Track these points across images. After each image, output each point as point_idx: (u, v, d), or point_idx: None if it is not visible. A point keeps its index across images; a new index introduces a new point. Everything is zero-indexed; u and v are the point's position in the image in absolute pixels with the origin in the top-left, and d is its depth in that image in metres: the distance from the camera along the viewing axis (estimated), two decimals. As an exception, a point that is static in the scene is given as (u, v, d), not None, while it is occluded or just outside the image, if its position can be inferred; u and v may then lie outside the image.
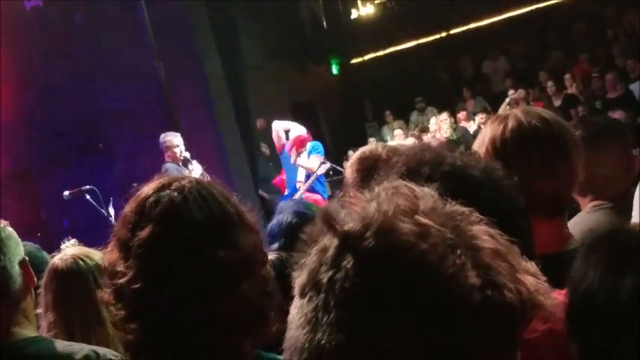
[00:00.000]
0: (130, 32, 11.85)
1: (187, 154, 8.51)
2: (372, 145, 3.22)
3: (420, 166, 1.38)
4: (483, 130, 2.02)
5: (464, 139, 12.11)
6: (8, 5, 11.10)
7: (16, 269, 2.08)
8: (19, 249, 2.12)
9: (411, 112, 15.61)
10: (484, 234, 0.86)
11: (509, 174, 1.43)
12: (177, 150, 8.46)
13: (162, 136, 8.71)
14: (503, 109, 12.80)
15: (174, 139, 8.56)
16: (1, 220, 2.15)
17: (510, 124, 1.92)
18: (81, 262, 2.72)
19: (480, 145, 1.95)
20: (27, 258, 2.15)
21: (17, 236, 2.17)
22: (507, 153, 1.86)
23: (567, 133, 1.96)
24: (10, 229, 2.13)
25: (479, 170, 1.39)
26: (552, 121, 1.94)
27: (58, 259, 2.76)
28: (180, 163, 8.44)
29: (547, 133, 1.90)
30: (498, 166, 1.44)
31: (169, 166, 8.34)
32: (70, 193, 7.49)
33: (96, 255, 2.77)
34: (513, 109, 2.03)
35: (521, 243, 1.34)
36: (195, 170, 8.27)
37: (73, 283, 2.66)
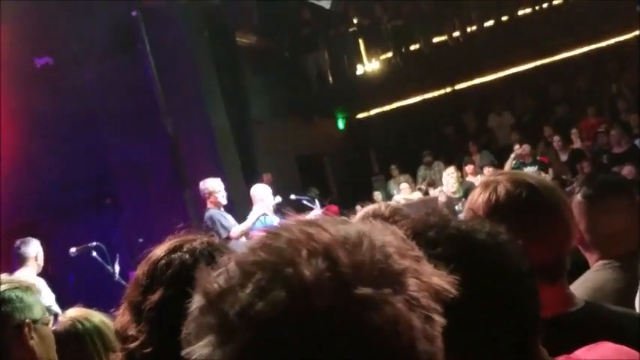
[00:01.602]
0: (138, 88, 12.00)
1: (225, 201, 8.43)
2: (375, 204, 3.21)
3: (426, 230, 1.39)
4: (471, 198, 1.97)
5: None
6: (19, 62, 11.28)
7: (7, 335, 2.07)
8: (18, 313, 2.11)
9: (418, 167, 15.64)
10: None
11: (513, 237, 1.44)
12: (219, 195, 8.33)
13: (202, 182, 8.56)
14: (509, 164, 12.83)
15: (215, 185, 8.42)
16: (23, 280, 2.16)
17: (498, 193, 1.89)
18: (79, 325, 2.71)
19: (467, 213, 1.93)
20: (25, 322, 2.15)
21: (29, 297, 2.17)
22: (498, 223, 1.85)
23: (556, 196, 1.93)
24: (15, 291, 2.13)
25: (484, 234, 1.40)
26: (540, 187, 1.91)
27: (58, 323, 2.77)
28: (222, 208, 8.34)
29: (536, 200, 1.87)
30: (503, 229, 1.45)
31: (213, 212, 8.27)
32: (76, 250, 7.44)
33: (95, 317, 2.77)
34: (499, 177, 1.97)
35: (528, 305, 1.36)
36: (254, 209, 8.29)
37: (70, 346, 2.66)
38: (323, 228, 0.85)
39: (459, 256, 1.26)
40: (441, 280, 0.87)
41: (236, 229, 8.04)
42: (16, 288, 2.12)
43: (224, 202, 8.35)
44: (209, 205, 8.38)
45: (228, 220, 8.18)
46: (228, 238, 7.89)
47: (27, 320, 2.12)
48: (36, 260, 7.14)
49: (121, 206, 12.43)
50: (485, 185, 1.95)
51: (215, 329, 0.81)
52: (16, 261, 7.13)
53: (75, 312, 2.81)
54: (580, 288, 2.50)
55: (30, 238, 7.23)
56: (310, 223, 0.87)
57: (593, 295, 2.39)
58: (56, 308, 6.81)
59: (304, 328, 0.77)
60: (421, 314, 0.82)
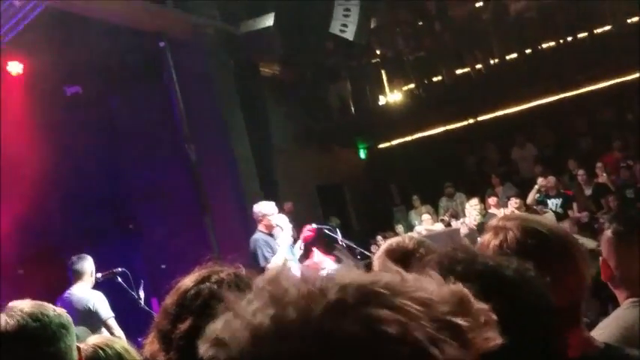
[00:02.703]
0: (163, 115, 12.15)
1: (284, 220, 8.42)
2: (399, 237, 3.22)
3: (453, 265, 1.40)
4: (482, 242, 1.98)
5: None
6: (49, 91, 11.48)
7: (74, 355, 2.11)
8: (73, 336, 2.16)
9: (439, 198, 15.60)
10: None
11: (540, 274, 1.44)
12: (272, 219, 8.34)
13: (255, 205, 8.60)
14: (532, 195, 12.75)
15: (268, 208, 8.44)
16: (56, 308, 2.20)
17: (508, 240, 1.90)
18: (100, 352, 2.74)
19: None
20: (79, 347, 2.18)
21: (72, 326, 2.21)
22: None
23: (567, 242, 1.93)
24: (67, 316, 2.17)
25: (512, 270, 1.40)
26: (550, 234, 1.91)
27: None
28: (272, 231, 8.34)
29: (546, 247, 1.88)
30: (530, 266, 1.46)
31: (259, 237, 8.28)
32: (102, 276, 7.51)
33: (117, 344, 2.80)
34: (508, 222, 1.97)
35: (554, 342, 1.36)
36: (282, 239, 8.22)
37: None
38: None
39: (487, 292, 1.27)
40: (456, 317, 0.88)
41: (274, 261, 7.98)
42: (64, 313, 2.16)
43: (275, 226, 8.34)
44: (259, 227, 8.37)
45: (271, 249, 8.14)
46: (264, 269, 7.88)
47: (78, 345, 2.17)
48: (91, 276, 7.24)
49: (143, 231, 12.52)
50: (496, 231, 1.96)
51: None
52: (72, 277, 7.22)
53: (97, 339, 2.84)
54: (610, 326, 2.48)
55: (85, 254, 7.34)
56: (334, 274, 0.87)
57: (624, 334, 2.38)
58: (113, 323, 6.88)
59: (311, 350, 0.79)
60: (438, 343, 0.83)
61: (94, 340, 2.82)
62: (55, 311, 2.12)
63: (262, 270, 7.91)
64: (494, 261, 1.43)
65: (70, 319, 2.16)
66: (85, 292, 7.03)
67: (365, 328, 0.78)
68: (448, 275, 1.31)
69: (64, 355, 2.08)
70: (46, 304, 2.18)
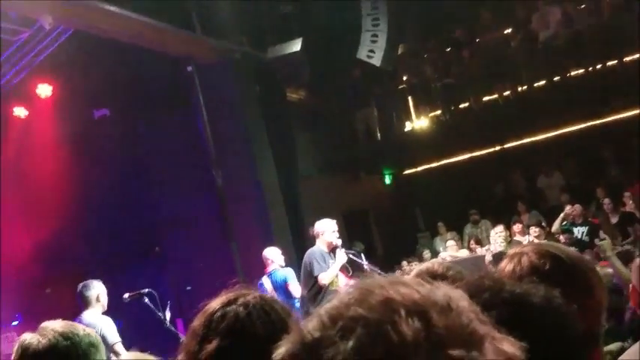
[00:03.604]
0: (189, 141, 12.25)
1: (339, 242, 8.50)
2: (428, 262, 3.23)
3: (481, 293, 1.40)
4: (499, 268, 2.00)
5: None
6: (78, 113, 11.66)
7: None
8: (101, 356, 2.20)
9: (464, 224, 15.53)
10: None
11: (568, 302, 1.44)
12: (326, 236, 8.45)
13: (317, 222, 8.72)
14: (557, 223, 12.66)
15: (326, 225, 8.55)
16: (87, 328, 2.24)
17: (522, 264, 1.91)
18: None
19: None
20: None
21: (102, 344, 2.26)
22: None
23: (583, 266, 1.92)
24: (96, 337, 2.21)
25: (539, 297, 1.40)
26: (565, 257, 1.91)
27: None
28: (330, 249, 8.45)
29: (560, 270, 1.87)
30: (557, 293, 1.45)
31: (314, 249, 8.45)
32: (129, 296, 7.63)
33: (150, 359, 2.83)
34: (525, 248, 1.99)
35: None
36: (339, 257, 8.36)
37: None
38: (413, 288, 0.89)
39: (514, 320, 1.27)
40: (512, 346, 0.91)
41: (324, 275, 8.20)
42: (93, 333, 2.21)
43: (335, 243, 8.45)
44: (318, 242, 8.53)
45: (325, 263, 8.29)
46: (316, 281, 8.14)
47: None
48: (99, 301, 7.36)
49: (169, 255, 12.59)
50: (512, 257, 1.98)
51: None
52: (81, 303, 7.35)
53: (131, 355, 2.88)
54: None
55: (91, 281, 7.45)
56: (399, 282, 0.91)
57: None
58: (120, 348, 6.96)
59: None
60: None
61: (128, 356, 2.87)
62: (85, 330, 2.17)
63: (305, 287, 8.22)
64: (521, 288, 1.43)
65: (99, 338, 2.21)
66: (94, 317, 7.13)
67: None
68: (476, 303, 1.31)
69: None
70: (76, 324, 2.22)
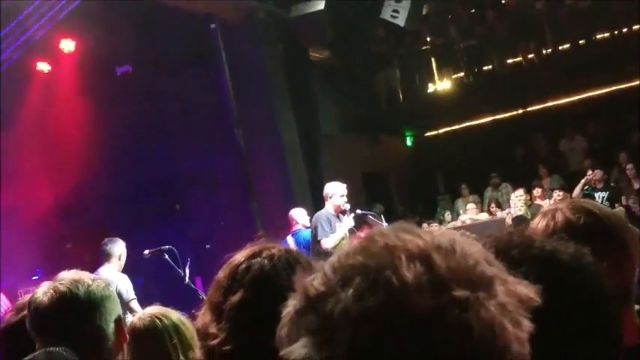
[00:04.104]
0: (212, 99, 12.23)
1: (347, 206, 8.45)
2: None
3: (509, 249, 1.39)
4: (531, 226, 1.95)
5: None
6: (100, 69, 11.66)
7: (110, 327, 2.17)
8: (116, 308, 2.21)
9: (485, 187, 15.49)
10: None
11: (598, 260, 1.42)
12: (334, 199, 8.40)
13: (327, 184, 8.73)
14: (579, 188, 12.58)
15: (335, 189, 8.51)
16: (101, 279, 2.26)
17: (556, 220, 1.88)
18: (158, 321, 2.82)
19: None
20: (121, 316, 2.24)
21: (116, 295, 2.27)
22: None
23: (618, 222, 1.90)
24: (110, 289, 2.23)
25: (568, 255, 1.38)
26: (601, 214, 1.89)
27: (136, 319, 2.88)
28: (339, 214, 8.40)
29: (596, 226, 1.85)
30: (587, 251, 1.44)
31: (321, 212, 8.45)
32: (150, 252, 7.72)
33: (173, 314, 2.88)
34: (559, 204, 1.97)
35: (610, 329, 1.34)
36: (345, 221, 8.31)
37: (149, 342, 2.77)
38: (417, 234, 0.88)
39: (543, 277, 1.26)
40: (526, 288, 0.90)
41: (327, 240, 8.13)
42: (107, 285, 2.22)
43: (343, 207, 8.39)
44: (327, 205, 8.51)
45: (330, 227, 8.24)
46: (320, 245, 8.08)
47: (120, 315, 2.22)
48: (119, 259, 7.45)
49: (190, 214, 12.67)
50: (545, 213, 1.95)
51: (316, 330, 0.84)
52: (101, 258, 7.44)
53: (154, 309, 2.92)
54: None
55: (116, 238, 7.53)
56: (404, 229, 0.90)
57: None
58: (135, 305, 7.04)
59: (405, 329, 0.80)
60: (511, 318, 0.84)
61: (151, 310, 2.91)
62: (96, 281, 2.19)
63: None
64: (551, 245, 1.41)
65: (111, 290, 2.22)
66: (110, 274, 7.18)
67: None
68: (504, 259, 1.30)
69: (104, 323, 2.16)
70: (86, 274, 2.24)
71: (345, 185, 8.62)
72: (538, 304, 0.90)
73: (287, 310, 0.90)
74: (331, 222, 8.29)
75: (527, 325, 0.87)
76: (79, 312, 2.12)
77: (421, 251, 0.85)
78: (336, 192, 8.46)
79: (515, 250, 1.39)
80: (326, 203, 8.53)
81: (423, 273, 0.82)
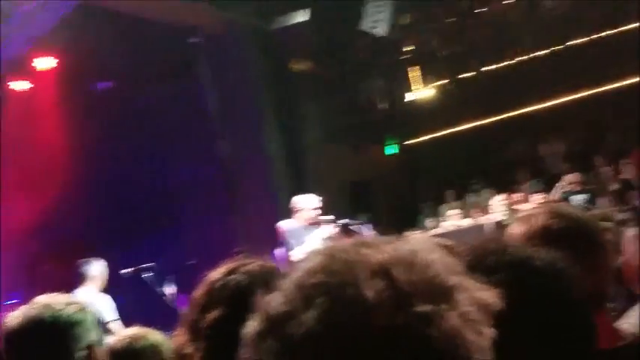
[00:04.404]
0: (195, 111, 12.21)
1: (322, 218, 8.30)
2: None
3: (485, 257, 1.41)
4: (509, 231, 1.99)
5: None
6: (81, 86, 11.60)
7: (81, 354, 2.13)
8: (88, 334, 2.18)
9: (467, 193, 15.55)
10: None
11: (571, 265, 1.44)
12: (304, 213, 8.26)
13: (295, 197, 8.61)
14: (558, 192, 12.65)
15: (303, 202, 8.40)
16: (79, 303, 2.24)
17: (535, 226, 1.91)
18: (136, 343, 2.78)
19: None
20: (94, 342, 2.21)
21: (92, 320, 2.25)
22: None
23: (594, 225, 1.94)
24: (83, 314, 2.20)
25: (542, 261, 1.41)
26: (578, 218, 1.93)
27: (115, 340, 2.85)
28: (308, 224, 8.24)
29: (573, 229, 1.88)
30: (560, 256, 1.45)
31: (290, 226, 8.26)
32: (130, 271, 7.61)
33: (152, 335, 2.85)
34: (535, 210, 2.03)
35: (582, 333, 1.36)
36: (315, 234, 8.13)
37: None
38: (376, 248, 0.88)
39: (518, 283, 1.27)
40: (486, 294, 0.90)
41: (295, 252, 7.92)
42: (82, 309, 2.19)
43: (310, 220, 8.23)
44: (294, 218, 8.35)
45: (292, 243, 8.07)
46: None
47: (94, 340, 2.19)
48: (97, 280, 7.37)
49: (175, 227, 12.59)
50: (522, 218, 1.99)
51: (279, 352, 0.83)
52: (77, 279, 7.35)
53: (132, 331, 2.88)
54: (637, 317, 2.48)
55: (92, 258, 7.43)
56: (363, 243, 0.90)
57: None
58: (114, 326, 6.95)
59: (369, 347, 0.80)
60: (473, 327, 0.85)
61: (130, 331, 2.87)
62: (69, 306, 2.16)
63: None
64: (525, 252, 1.43)
65: (86, 313, 2.19)
66: (89, 295, 7.05)
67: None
68: (479, 266, 1.32)
69: (75, 343, 2.12)
70: (62, 298, 2.21)
71: (317, 198, 8.50)
72: (500, 307, 0.91)
73: (247, 331, 0.88)
74: (299, 234, 8.14)
75: (489, 332, 0.87)
76: (44, 337, 2.10)
77: (381, 266, 0.85)
78: (306, 205, 8.34)
79: (491, 257, 1.41)
80: (294, 216, 8.37)
81: (384, 289, 0.82)
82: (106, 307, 7.15)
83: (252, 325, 0.88)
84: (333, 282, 0.84)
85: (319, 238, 8.11)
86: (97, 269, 7.36)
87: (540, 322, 1.30)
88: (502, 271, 1.34)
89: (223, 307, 1.64)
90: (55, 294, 2.23)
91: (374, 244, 0.89)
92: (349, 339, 0.80)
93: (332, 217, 8.47)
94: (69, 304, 2.19)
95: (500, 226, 11.51)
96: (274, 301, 0.87)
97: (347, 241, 0.92)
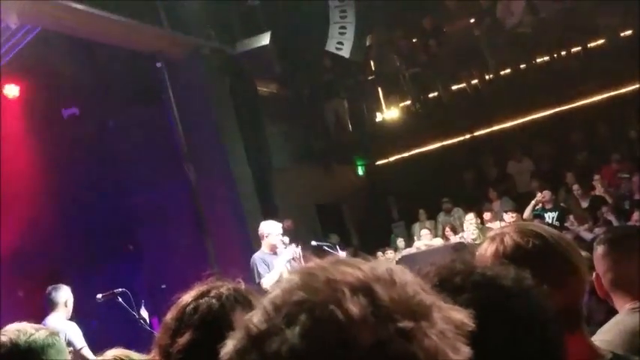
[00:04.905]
0: (161, 136, 12.17)
1: (286, 240, 8.29)
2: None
3: (452, 277, 1.41)
4: (479, 251, 1.96)
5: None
6: (47, 113, 11.50)
7: None
8: (61, 357, 2.17)
9: (438, 213, 15.61)
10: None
11: (538, 283, 1.45)
12: (271, 239, 8.26)
13: (261, 224, 8.59)
14: (529, 210, 12.76)
15: (270, 228, 8.37)
16: (47, 328, 2.23)
17: (505, 244, 1.89)
18: None
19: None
20: None
21: (62, 344, 2.24)
22: None
23: (565, 244, 1.93)
24: (53, 337, 2.19)
25: (509, 280, 1.40)
26: (548, 235, 1.91)
27: None
28: (274, 250, 8.25)
29: (544, 248, 1.87)
30: (528, 275, 1.46)
31: (257, 256, 8.25)
32: (102, 296, 7.54)
33: (135, 356, 2.83)
34: (505, 228, 1.99)
35: (553, 351, 1.37)
36: (280, 258, 8.14)
37: None
38: (355, 266, 0.89)
39: (485, 302, 1.28)
40: (459, 314, 0.92)
41: (266, 279, 7.93)
42: (52, 333, 2.19)
43: (279, 245, 8.25)
44: (262, 246, 8.37)
45: (267, 266, 8.10)
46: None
47: None
48: (65, 306, 7.34)
49: (144, 252, 12.50)
50: (492, 238, 1.96)
51: None
52: (47, 306, 7.26)
53: (116, 352, 2.87)
54: (612, 331, 2.51)
55: (61, 284, 7.40)
56: (341, 262, 0.91)
57: (627, 339, 2.42)
58: (87, 352, 6.89)
59: None
60: (451, 345, 0.86)
61: (114, 352, 2.86)
62: (39, 330, 2.16)
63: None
64: (492, 271, 1.43)
65: (55, 337, 2.19)
66: (58, 322, 7.04)
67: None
68: (446, 286, 1.32)
69: None
70: (30, 325, 2.21)
71: (280, 224, 8.53)
72: (473, 328, 0.92)
73: (226, 350, 0.88)
74: (267, 262, 8.17)
75: (465, 350, 0.88)
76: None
77: (362, 283, 0.85)
78: (271, 231, 8.35)
79: (458, 277, 1.40)
80: (262, 242, 8.40)
81: (367, 305, 0.83)
82: (76, 334, 7.11)
83: (231, 343, 0.87)
84: (315, 299, 0.84)
85: (285, 262, 8.13)
86: (64, 295, 7.31)
87: (508, 342, 1.30)
88: (469, 291, 1.34)
89: (194, 330, 1.63)
90: (23, 322, 2.22)
91: (352, 263, 0.90)
92: (333, 355, 0.80)
93: (295, 242, 8.47)
94: (38, 329, 2.19)
95: (461, 247, 11.56)
96: (255, 318, 0.86)
97: (324, 260, 0.92)
